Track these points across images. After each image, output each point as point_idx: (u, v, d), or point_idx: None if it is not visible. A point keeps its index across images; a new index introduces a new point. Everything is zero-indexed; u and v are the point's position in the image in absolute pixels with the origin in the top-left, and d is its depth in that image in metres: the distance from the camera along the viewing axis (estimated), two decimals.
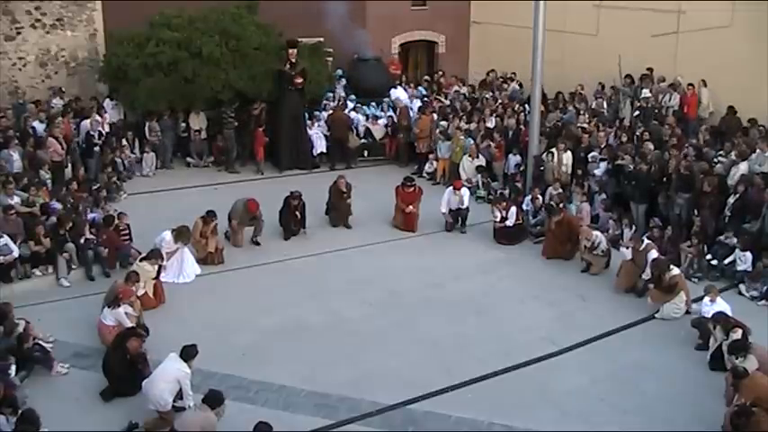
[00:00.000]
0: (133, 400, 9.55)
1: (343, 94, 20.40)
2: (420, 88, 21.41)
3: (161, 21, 18.42)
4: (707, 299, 11.39)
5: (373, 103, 20.28)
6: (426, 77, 22.88)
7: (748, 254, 12.84)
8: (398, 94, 20.34)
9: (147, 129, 18.41)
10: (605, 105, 18.44)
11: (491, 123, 18.43)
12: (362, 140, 19.58)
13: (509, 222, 14.92)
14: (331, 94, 20.14)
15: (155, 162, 18.49)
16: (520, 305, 12.59)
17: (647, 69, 18.52)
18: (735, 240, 13.12)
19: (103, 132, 17.44)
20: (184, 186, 17.68)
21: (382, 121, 19.91)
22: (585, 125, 17.19)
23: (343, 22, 20.02)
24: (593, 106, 18.57)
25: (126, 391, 9.72)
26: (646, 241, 13.07)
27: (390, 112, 19.93)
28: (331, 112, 19.28)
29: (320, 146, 19.23)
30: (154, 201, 16.76)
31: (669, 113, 17.44)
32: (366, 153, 19.68)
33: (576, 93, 19.20)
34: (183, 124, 18.92)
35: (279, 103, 18.70)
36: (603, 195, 15.27)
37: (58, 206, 13.73)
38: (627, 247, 13.12)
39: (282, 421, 9.16)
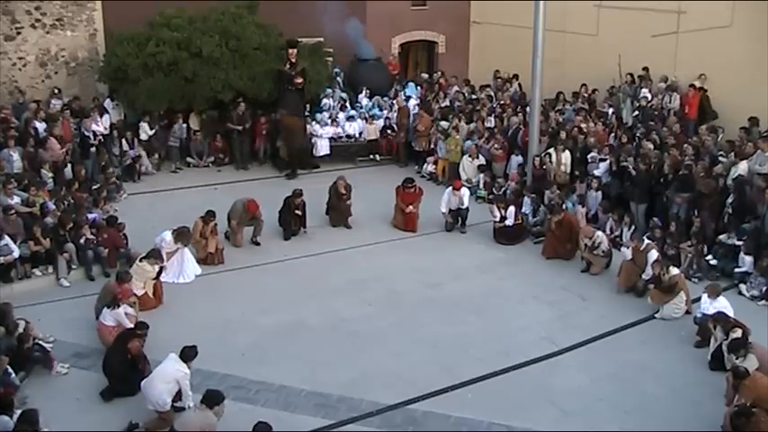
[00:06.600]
0: (133, 400, 9.56)
1: (343, 94, 20.40)
2: (411, 86, 21.31)
3: (161, 21, 18.40)
4: (705, 296, 11.42)
5: (372, 102, 20.30)
6: (424, 75, 22.83)
7: (748, 257, 12.86)
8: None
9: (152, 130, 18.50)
10: (610, 111, 18.38)
11: (490, 123, 18.45)
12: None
13: (508, 222, 14.94)
14: (330, 91, 20.13)
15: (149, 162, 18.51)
16: (520, 305, 12.59)
17: (644, 69, 18.54)
18: (735, 240, 13.13)
19: (98, 133, 17.41)
20: (184, 186, 17.69)
21: (379, 122, 19.91)
22: (583, 125, 17.18)
23: (341, 22, 20.08)
24: (603, 109, 18.46)
25: (126, 391, 9.73)
26: (646, 241, 13.09)
27: (393, 113, 19.90)
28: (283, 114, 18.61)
29: (322, 147, 19.21)
30: (154, 201, 16.77)
31: (670, 114, 17.45)
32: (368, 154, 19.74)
33: (580, 93, 19.21)
34: (184, 124, 18.93)
35: (279, 103, 18.69)
36: (600, 197, 15.26)
37: (52, 206, 13.72)
38: (627, 247, 13.13)
39: (282, 421, 9.17)
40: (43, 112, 17.41)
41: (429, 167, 18.85)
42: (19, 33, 19.19)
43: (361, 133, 19.80)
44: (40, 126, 16.77)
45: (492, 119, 18.63)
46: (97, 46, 20.06)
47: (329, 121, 19.39)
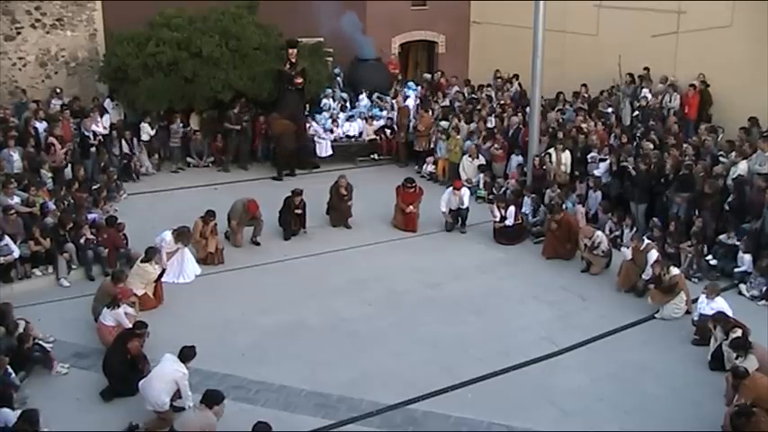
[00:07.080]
0: (133, 400, 9.55)
1: (343, 94, 20.39)
2: (411, 86, 21.32)
3: (161, 21, 18.41)
4: (702, 296, 11.43)
5: (371, 102, 20.29)
6: (427, 75, 22.84)
7: (747, 256, 12.86)
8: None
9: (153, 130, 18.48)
10: (610, 110, 18.37)
11: (491, 123, 18.46)
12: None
13: (508, 222, 14.94)
14: (330, 91, 20.12)
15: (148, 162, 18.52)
16: (520, 305, 12.59)
17: (644, 69, 18.54)
18: (735, 240, 13.13)
19: (98, 134, 17.40)
20: (184, 186, 17.69)
21: (379, 122, 19.88)
22: (583, 125, 17.17)
23: (342, 23, 20.09)
24: (603, 109, 18.45)
25: (126, 391, 9.72)
26: (646, 241, 13.08)
27: (393, 113, 19.90)
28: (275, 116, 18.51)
29: (324, 149, 19.19)
30: (154, 201, 16.77)
31: (670, 114, 17.45)
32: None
33: (580, 93, 19.20)
34: (181, 124, 18.92)
35: (279, 103, 18.68)
36: (600, 197, 15.26)
37: (52, 206, 13.71)
38: (627, 247, 13.13)
39: (282, 421, 9.17)
40: (43, 112, 17.42)
41: (429, 167, 18.86)
42: (19, 33, 19.19)
43: (361, 133, 19.80)
44: (40, 126, 16.77)
45: (492, 119, 18.63)
46: (97, 46, 20.06)
47: (331, 124, 19.38)
